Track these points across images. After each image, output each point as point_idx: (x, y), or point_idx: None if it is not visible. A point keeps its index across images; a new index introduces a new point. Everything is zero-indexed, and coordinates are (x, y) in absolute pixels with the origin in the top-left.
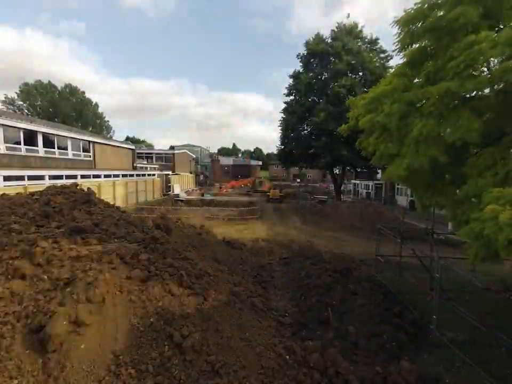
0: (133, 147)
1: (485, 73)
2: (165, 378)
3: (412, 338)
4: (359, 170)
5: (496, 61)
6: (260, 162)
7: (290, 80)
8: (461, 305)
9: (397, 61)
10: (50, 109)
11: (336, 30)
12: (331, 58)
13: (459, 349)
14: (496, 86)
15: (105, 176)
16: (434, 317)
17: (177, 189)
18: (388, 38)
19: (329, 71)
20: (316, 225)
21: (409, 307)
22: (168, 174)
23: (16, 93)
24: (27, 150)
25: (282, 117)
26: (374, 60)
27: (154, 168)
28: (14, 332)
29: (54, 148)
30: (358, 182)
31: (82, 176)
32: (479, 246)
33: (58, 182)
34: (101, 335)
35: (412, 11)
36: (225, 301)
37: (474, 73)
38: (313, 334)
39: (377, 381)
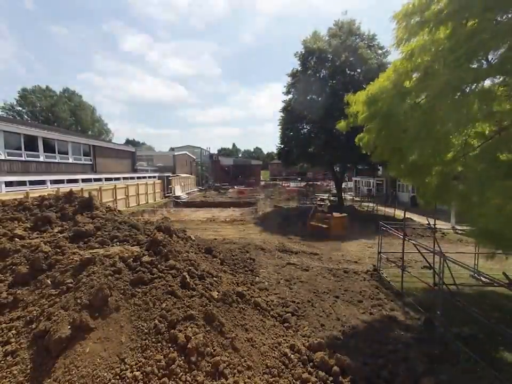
0: (133, 150)
1: (484, 65)
2: (170, 380)
3: (416, 335)
4: (360, 167)
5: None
6: (260, 162)
7: (289, 79)
8: (464, 301)
9: (395, 56)
10: (49, 114)
11: (333, 27)
12: (329, 56)
13: (464, 344)
14: (495, 78)
15: (106, 179)
16: (438, 312)
17: (178, 191)
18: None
19: (327, 69)
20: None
21: (413, 303)
22: (169, 176)
23: (15, 98)
24: (28, 156)
25: (281, 116)
26: (372, 56)
27: (155, 170)
28: (19, 337)
29: (54, 153)
30: (359, 179)
31: (84, 180)
32: (485, 241)
33: (60, 187)
34: (106, 339)
35: (410, 5)
36: (229, 302)
37: (474, 66)
38: (318, 332)
39: (383, 379)
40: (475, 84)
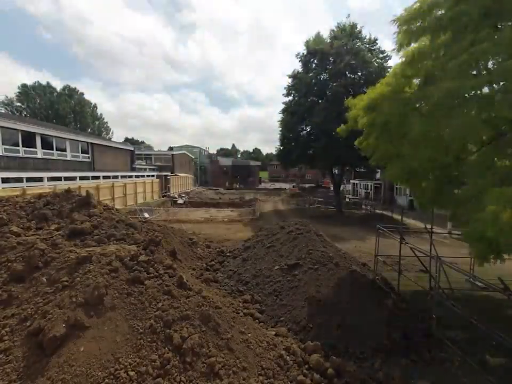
0: (132, 148)
1: (484, 72)
2: (165, 380)
3: (412, 338)
4: (358, 170)
5: (495, 60)
6: (259, 163)
7: (289, 80)
8: (460, 305)
9: (395, 61)
10: (49, 111)
11: (335, 30)
12: (330, 59)
13: (459, 348)
14: (495, 85)
15: (104, 177)
16: (434, 316)
17: (176, 190)
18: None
19: (329, 71)
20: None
21: (409, 306)
22: (167, 175)
23: (15, 94)
24: (25, 152)
25: (281, 117)
26: (373, 60)
27: (153, 169)
28: (13, 335)
29: (52, 150)
30: (357, 182)
31: (81, 178)
32: (481, 247)
33: (57, 184)
34: (100, 338)
35: (412, 10)
36: (226, 302)
37: (474, 73)
38: (313, 334)
39: (378, 382)
40: (474, 91)
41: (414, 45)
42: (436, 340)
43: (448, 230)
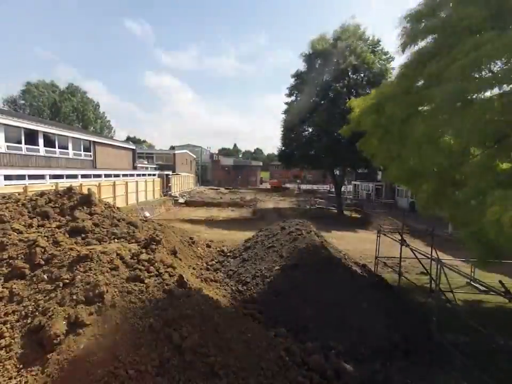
0: (134, 147)
1: (488, 75)
2: (164, 379)
3: (412, 340)
4: (359, 171)
5: (499, 62)
6: (261, 163)
7: (292, 80)
8: (460, 307)
9: (399, 62)
10: (52, 109)
11: (339, 30)
12: (334, 59)
13: (460, 352)
14: (498, 88)
15: (106, 176)
16: (434, 319)
17: (177, 189)
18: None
19: (332, 71)
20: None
21: (409, 308)
22: (169, 174)
23: (20, 91)
24: (28, 149)
25: (283, 118)
26: (376, 61)
27: (155, 168)
28: (14, 332)
29: (55, 147)
30: (358, 183)
31: (83, 176)
32: (482, 248)
33: (59, 182)
34: (100, 336)
35: (415, 11)
36: (226, 302)
37: (478, 75)
38: (313, 335)
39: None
40: (477, 93)
41: (417, 46)
42: (436, 342)
43: (449, 232)
